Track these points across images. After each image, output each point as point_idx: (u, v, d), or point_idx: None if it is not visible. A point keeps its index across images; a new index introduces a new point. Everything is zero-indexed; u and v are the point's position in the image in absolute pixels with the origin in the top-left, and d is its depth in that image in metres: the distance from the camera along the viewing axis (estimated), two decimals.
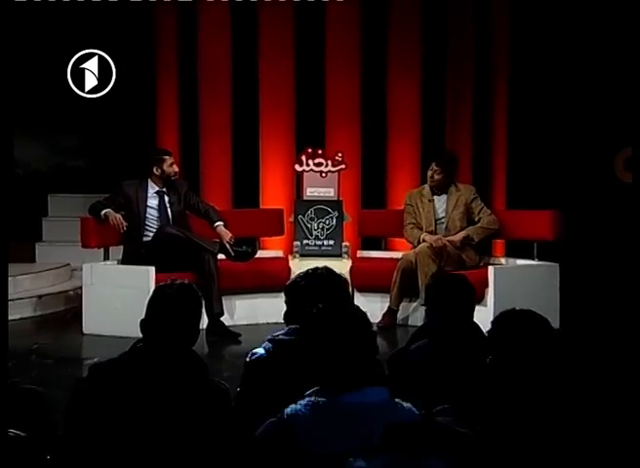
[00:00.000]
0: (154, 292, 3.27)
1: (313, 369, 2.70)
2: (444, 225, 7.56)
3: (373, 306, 7.40)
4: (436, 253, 7.20)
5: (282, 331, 3.43)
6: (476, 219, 7.55)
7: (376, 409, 2.57)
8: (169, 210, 7.43)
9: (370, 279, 7.55)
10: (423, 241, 7.36)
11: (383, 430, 2.32)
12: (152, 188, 7.44)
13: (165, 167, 7.42)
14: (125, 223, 7.23)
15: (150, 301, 3.22)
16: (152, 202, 7.42)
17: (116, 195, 7.44)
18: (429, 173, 7.63)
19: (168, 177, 7.45)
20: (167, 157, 7.50)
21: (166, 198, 7.45)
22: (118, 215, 7.25)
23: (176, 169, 7.53)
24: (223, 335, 7.04)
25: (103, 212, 7.24)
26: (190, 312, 3.22)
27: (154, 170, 7.42)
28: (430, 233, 7.48)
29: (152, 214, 7.40)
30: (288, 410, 2.60)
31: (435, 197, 7.60)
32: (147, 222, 7.37)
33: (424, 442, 2.26)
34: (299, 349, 3.21)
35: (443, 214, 7.59)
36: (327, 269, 3.67)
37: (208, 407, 3.00)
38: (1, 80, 4.36)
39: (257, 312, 7.34)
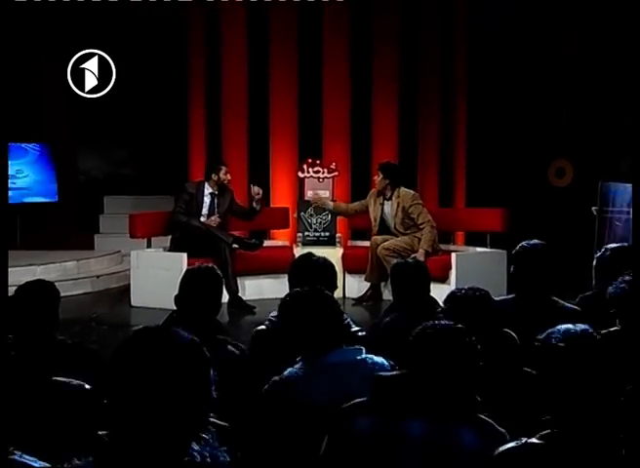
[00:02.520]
0: (184, 274, 3.25)
1: (297, 338, 2.69)
2: (392, 228, 7.36)
3: (360, 284, 7.48)
4: (394, 251, 7.08)
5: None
6: (419, 223, 7.27)
7: (354, 364, 2.58)
8: (216, 210, 7.39)
9: (358, 263, 7.49)
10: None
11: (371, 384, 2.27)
12: (207, 190, 7.38)
13: (221, 174, 7.35)
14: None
15: (182, 281, 3.20)
16: (206, 201, 7.37)
17: (181, 195, 7.39)
18: (374, 178, 7.54)
19: (222, 183, 7.39)
20: (223, 167, 7.44)
21: (216, 200, 7.40)
22: (212, 219, 7.29)
23: (229, 177, 7.45)
24: (241, 308, 7.05)
25: (198, 224, 7.23)
26: (212, 289, 3.21)
27: (212, 175, 7.35)
28: (372, 230, 7.45)
29: (204, 211, 7.37)
30: (286, 372, 2.60)
31: (385, 202, 7.41)
32: (200, 218, 7.36)
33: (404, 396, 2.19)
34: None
35: (389, 219, 7.40)
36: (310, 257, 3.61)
37: (227, 365, 2.90)
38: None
39: (267, 289, 7.30)
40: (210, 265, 3.32)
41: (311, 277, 3.29)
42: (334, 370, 2.57)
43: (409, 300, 3.64)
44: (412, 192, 7.49)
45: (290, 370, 2.61)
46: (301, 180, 8.12)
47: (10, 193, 9.07)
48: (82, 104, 9.56)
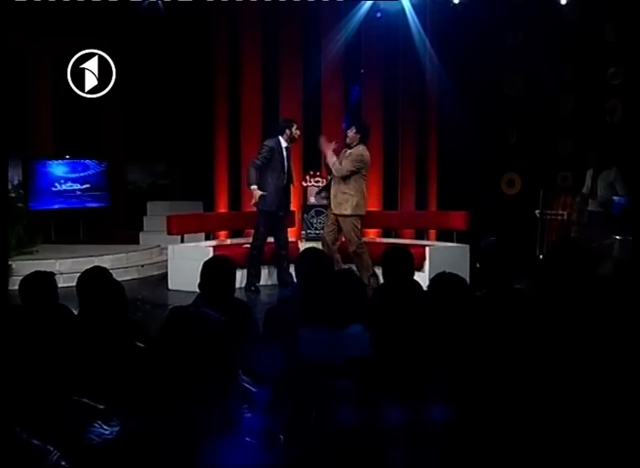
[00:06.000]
0: (202, 265, 3.20)
1: (314, 312, 2.69)
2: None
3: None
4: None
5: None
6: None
7: (352, 336, 2.61)
8: (289, 161, 6.96)
9: (348, 254, 7.45)
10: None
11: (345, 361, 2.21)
12: (283, 144, 6.85)
13: (294, 129, 6.83)
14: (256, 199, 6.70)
15: (201, 271, 3.18)
16: (284, 155, 6.89)
17: (262, 150, 6.80)
18: (348, 132, 6.71)
19: (293, 138, 6.88)
20: (295, 124, 6.91)
21: (289, 153, 6.95)
22: (258, 194, 6.69)
23: (299, 132, 6.90)
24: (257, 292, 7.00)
25: (253, 187, 6.70)
26: (224, 276, 3.17)
27: (286, 131, 6.79)
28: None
29: (286, 165, 6.91)
30: (297, 335, 2.65)
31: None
32: (280, 174, 6.87)
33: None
34: (297, 301, 3.19)
35: None
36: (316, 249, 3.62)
37: (247, 332, 3.00)
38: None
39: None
40: (222, 257, 3.30)
41: (313, 265, 3.32)
42: (337, 337, 2.61)
43: (398, 280, 3.48)
44: (362, 152, 6.59)
45: (299, 333, 2.64)
46: (305, 189, 8.14)
47: (74, 200, 9.20)
48: (129, 128, 9.65)
